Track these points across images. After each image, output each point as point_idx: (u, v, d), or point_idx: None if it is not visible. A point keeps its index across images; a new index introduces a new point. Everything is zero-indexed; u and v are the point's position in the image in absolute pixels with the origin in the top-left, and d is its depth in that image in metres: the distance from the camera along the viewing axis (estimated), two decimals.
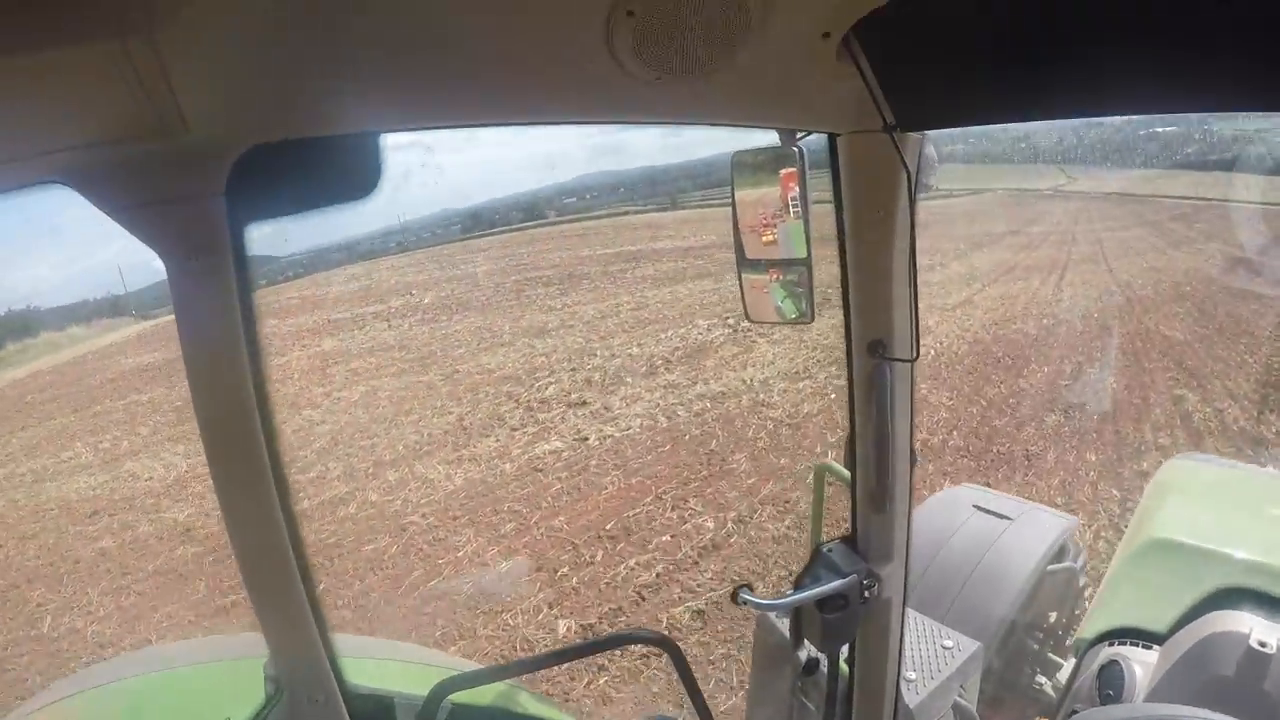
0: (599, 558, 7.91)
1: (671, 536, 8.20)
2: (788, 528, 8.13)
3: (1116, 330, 15.72)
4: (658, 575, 7.45)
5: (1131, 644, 3.04)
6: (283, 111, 1.15)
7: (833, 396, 12.10)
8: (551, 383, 14.26)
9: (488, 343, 17.69)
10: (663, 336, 16.85)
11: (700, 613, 6.78)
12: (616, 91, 1.30)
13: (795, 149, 1.62)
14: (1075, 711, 2.83)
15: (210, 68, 1.03)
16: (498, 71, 1.21)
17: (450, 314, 20.98)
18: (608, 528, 8.51)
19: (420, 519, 9.29)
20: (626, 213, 40.31)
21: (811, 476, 2.82)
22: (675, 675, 1.97)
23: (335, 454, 11.78)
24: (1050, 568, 3.58)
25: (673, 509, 8.84)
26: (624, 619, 6.87)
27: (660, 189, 43.56)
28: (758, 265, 1.77)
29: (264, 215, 1.27)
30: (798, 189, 1.65)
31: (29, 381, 18.49)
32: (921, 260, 1.69)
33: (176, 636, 7.26)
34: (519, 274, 25.40)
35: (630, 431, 11.48)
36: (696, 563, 7.62)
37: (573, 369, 15.03)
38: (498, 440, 11.68)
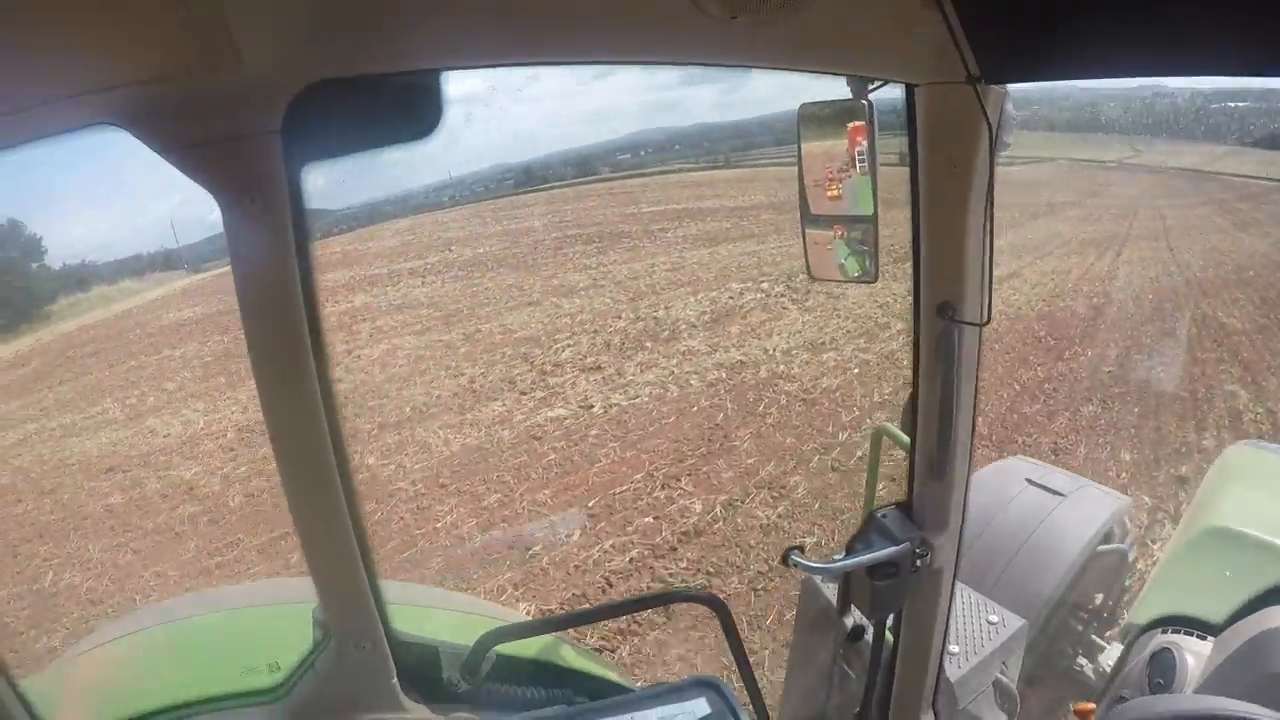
0: (575, 537, 7.52)
1: (654, 518, 7.71)
2: (779, 516, 7.54)
3: (1171, 314, 14.67)
4: (631, 560, 7.01)
5: (1185, 633, 2.92)
6: (341, 47, 1.11)
7: (855, 371, 11.50)
8: (570, 345, 13.78)
9: (515, 301, 17.13)
10: (692, 300, 16.16)
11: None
12: (688, 30, 1.24)
13: (865, 102, 1.55)
14: (1123, 698, 2.79)
15: (266, 2, 0.99)
16: (566, 7, 1.17)
17: (485, 271, 20.36)
18: (591, 504, 8.06)
19: (409, 485, 8.92)
20: (680, 170, 39.44)
21: (869, 439, 2.75)
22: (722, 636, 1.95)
23: (342, 414, 11.34)
24: (1100, 548, 3.48)
25: (662, 488, 8.35)
26: (583, 604, 6.49)
27: (715, 147, 42.86)
28: (822, 221, 1.73)
29: (320, 154, 1.25)
30: (866, 143, 1.59)
31: (75, 335, 18.45)
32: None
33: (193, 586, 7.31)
34: (560, 231, 24.76)
35: (638, 400, 10.97)
36: (674, 549, 7.13)
37: (594, 331, 14.52)
38: (503, 405, 11.20)
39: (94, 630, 3.18)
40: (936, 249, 1.64)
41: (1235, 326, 13.74)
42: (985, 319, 1.65)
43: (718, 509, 7.80)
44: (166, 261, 26.97)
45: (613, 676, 2.31)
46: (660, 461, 9.05)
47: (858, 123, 1.58)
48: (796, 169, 1.73)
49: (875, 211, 1.64)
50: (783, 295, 15.93)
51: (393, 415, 11.31)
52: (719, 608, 1.97)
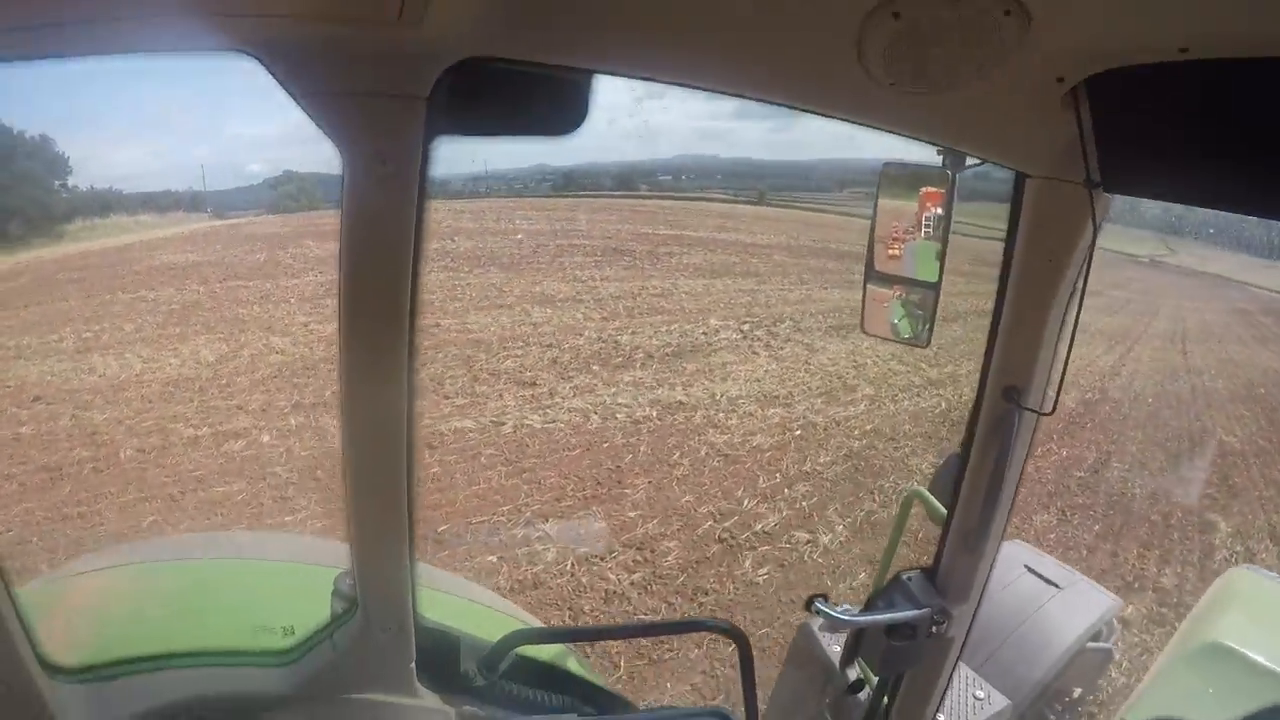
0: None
1: (499, 558, 6.89)
2: (631, 584, 6.63)
3: (1166, 422, 13.29)
4: None
5: None
6: (506, 27, 1.09)
7: (796, 433, 10.45)
8: (517, 356, 12.87)
9: (488, 302, 16.18)
10: (663, 329, 15.04)
11: None
12: (844, 86, 1.26)
13: (948, 172, 1.56)
14: None
15: None
16: (739, 40, 1.16)
17: (475, 266, 19.26)
18: (441, 529, 7.24)
19: (283, 471, 8.29)
20: (714, 199, 38.58)
21: (900, 501, 2.77)
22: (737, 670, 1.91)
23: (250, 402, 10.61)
24: (1089, 645, 3.52)
25: (525, 526, 7.50)
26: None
27: (754, 182, 41.76)
28: (884, 279, 1.74)
29: (460, 130, 1.21)
30: (940, 211, 1.61)
31: (71, 260, 18.00)
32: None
33: None
34: (566, 239, 23.84)
35: (553, 426, 10.00)
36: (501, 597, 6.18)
37: (549, 345, 13.53)
38: (418, 406, 10.37)
39: (101, 551, 3.10)
40: (1014, 334, 1.64)
41: (1233, 446, 12.36)
42: (1050, 409, 1.65)
43: (570, 561, 6.87)
44: (193, 203, 26.75)
45: (625, 694, 2.34)
46: (538, 497, 8.13)
47: (930, 188, 1.58)
48: (870, 223, 1.72)
49: (939, 280, 1.63)
50: (759, 340, 14.93)
51: (308, 396, 10.51)
52: (741, 640, 1.94)
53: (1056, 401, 1.65)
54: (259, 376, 11.24)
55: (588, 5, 1.06)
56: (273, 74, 1.06)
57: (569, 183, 38.67)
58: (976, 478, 1.77)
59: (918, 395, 12.46)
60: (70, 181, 25.55)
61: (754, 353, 14.05)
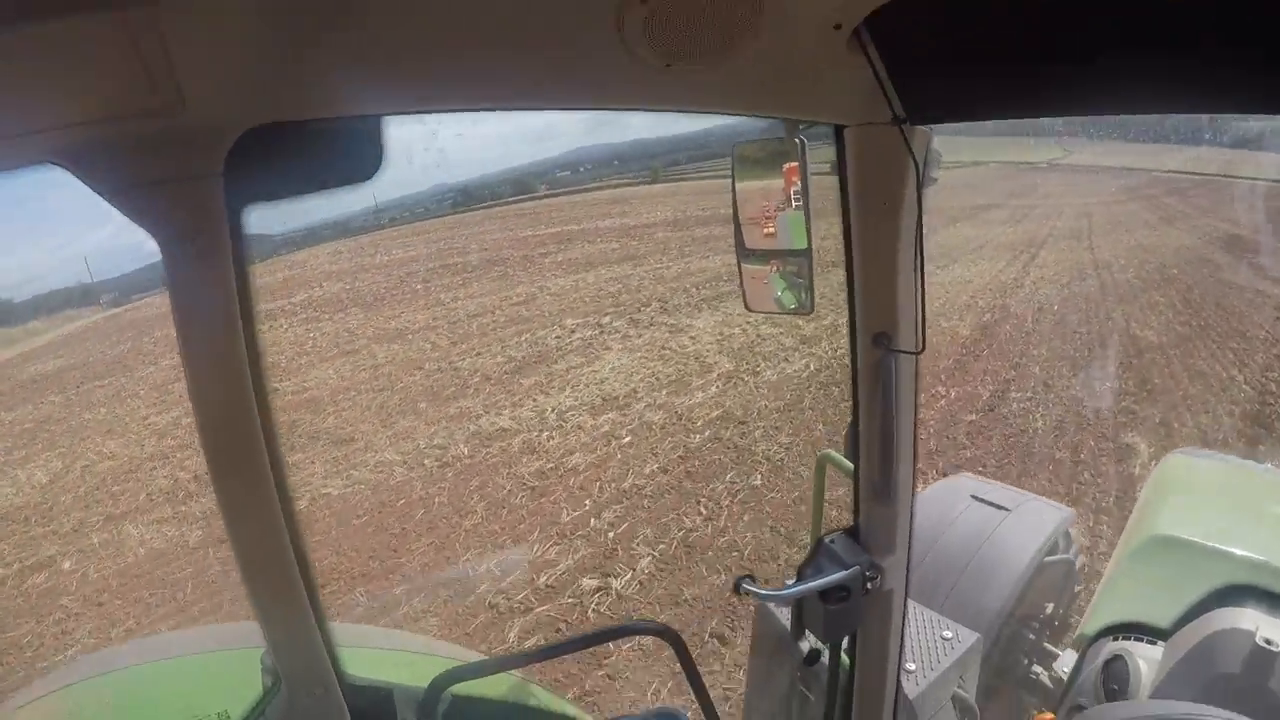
0: None
1: None
2: None
3: (1074, 331, 11.66)
4: None
5: (1135, 639, 2.93)
6: (284, 92, 1.09)
7: (625, 440, 8.79)
8: (344, 410, 11.12)
9: (336, 350, 14.41)
10: (513, 342, 13.37)
11: None
12: (625, 78, 1.23)
13: (797, 140, 1.49)
14: (1080, 706, 2.77)
15: (211, 46, 0.97)
16: (503, 55, 1.14)
17: (334, 311, 17.34)
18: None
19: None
20: (614, 185, 37.97)
21: (814, 467, 2.65)
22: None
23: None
24: (1047, 559, 3.41)
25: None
26: None
27: (649, 162, 41.97)
28: (757, 256, 1.69)
29: (262, 196, 1.20)
30: (799, 181, 1.54)
31: None
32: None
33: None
34: (439, 260, 22.13)
35: (350, 491, 8.34)
36: None
37: (382, 389, 11.83)
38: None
39: (29, 683, 2.83)
40: (870, 282, 1.61)
41: (1150, 340, 10.88)
42: (920, 347, 1.63)
43: None
44: (83, 297, 25.44)
45: (571, 711, 2.24)
46: None
47: (792, 163, 1.51)
48: (731, 203, 1.64)
49: (809, 246, 1.58)
50: (615, 332, 13.36)
51: (122, 505, 9.07)
52: (674, 640, 1.87)
53: (923, 338, 1.59)
54: (82, 492, 9.71)
55: (352, 55, 1.04)
56: (79, 178, 1.06)
57: (468, 198, 38.51)
58: (870, 429, 1.69)
59: (784, 360, 10.88)
60: None
61: (606, 349, 12.48)
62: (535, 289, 17.58)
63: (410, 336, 14.80)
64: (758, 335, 12.18)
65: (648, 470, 7.97)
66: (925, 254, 1.55)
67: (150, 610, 6.68)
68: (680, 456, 8.22)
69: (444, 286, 18.91)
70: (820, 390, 9.68)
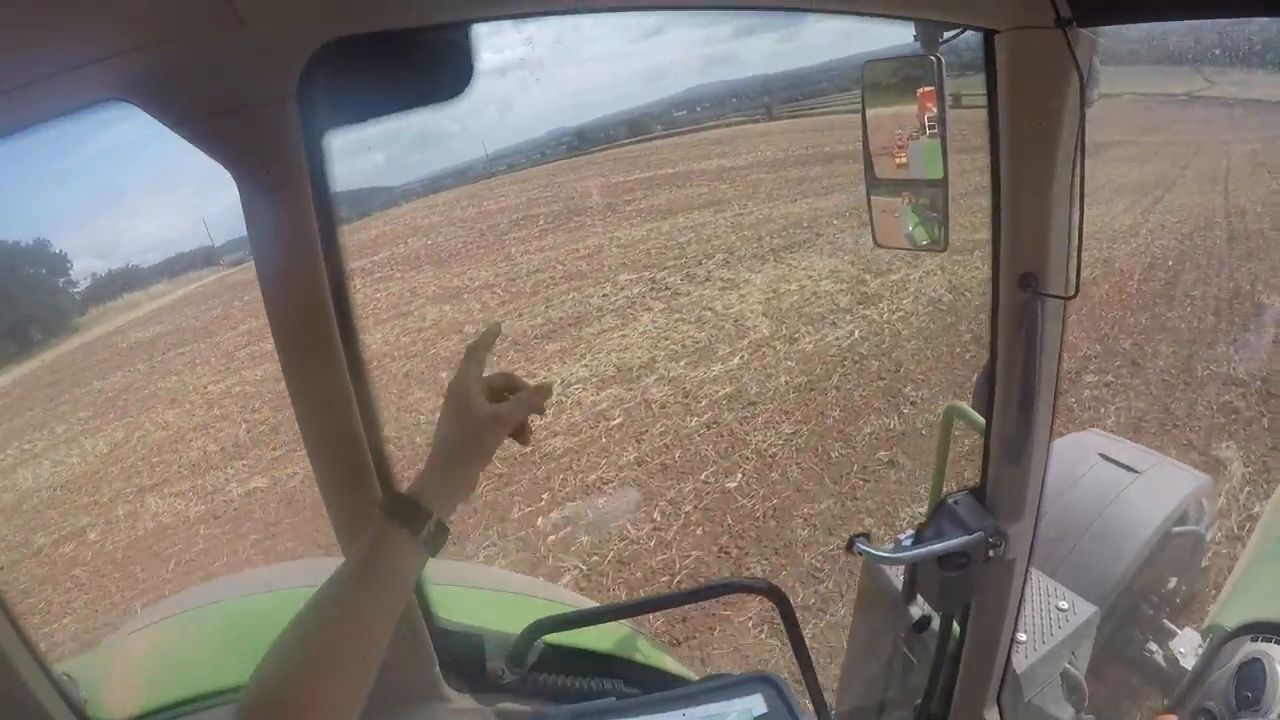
0: None
1: None
2: None
3: (1190, 290, 9.78)
4: None
5: (1277, 641, 2.53)
6: (352, 4, 1.02)
7: (616, 421, 7.84)
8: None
9: (392, 312, 13.68)
10: (558, 302, 12.28)
11: None
12: None
13: (934, 59, 1.38)
14: (1208, 710, 2.48)
15: None
16: None
17: (407, 269, 16.80)
18: None
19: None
20: (728, 125, 36.31)
21: (940, 419, 2.45)
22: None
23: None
24: (1175, 529, 3.15)
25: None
26: None
27: (767, 98, 40.19)
28: (888, 187, 1.56)
29: (340, 120, 1.13)
30: (935, 106, 1.41)
31: (64, 358, 17.74)
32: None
33: None
34: (524, 211, 21.36)
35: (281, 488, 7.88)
36: None
37: (413, 355, 11.16)
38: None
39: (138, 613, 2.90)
40: (1020, 215, 1.43)
41: (1276, 312, 8.80)
42: (1072, 293, 1.43)
43: None
44: (206, 259, 26.73)
45: (669, 666, 2.14)
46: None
47: (926, 87, 1.39)
48: (860, 132, 1.53)
49: (945, 176, 1.46)
50: (665, 289, 12.09)
51: (150, 477, 9.20)
52: (780, 599, 1.79)
53: (1079, 282, 1.39)
54: (130, 463, 9.86)
55: None
56: (146, 110, 1.02)
57: (584, 141, 38.34)
58: (1008, 381, 1.54)
59: (831, 325, 9.53)
60: (74, 275, 25.57)
61: (647, 309, 11.28)
62: (606, 239, 16.58)
63: (466, 296, 14.22)
64: (814, 293, 10.85)
65: (623, 461, 7.00)
66: None
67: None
68: (665, 445, 7.18)
69: (518, 240, 18.15)
70: (855, 365, 8.33)
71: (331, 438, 1.32)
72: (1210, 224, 12.98)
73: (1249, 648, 2.62)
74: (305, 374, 1.26)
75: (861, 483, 6.09)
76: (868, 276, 11.19)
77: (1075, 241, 1.41)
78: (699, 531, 5.79)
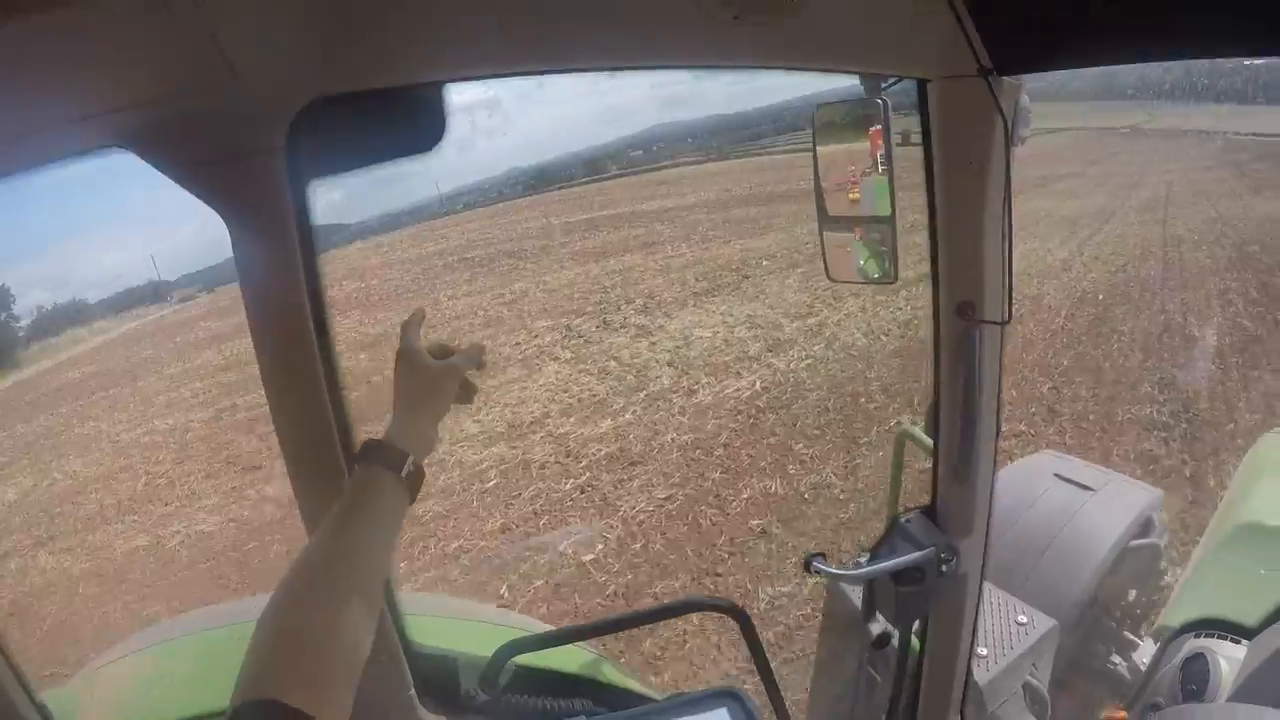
0: None
1: None
2: None
3: (1118, 326, 9.45)
4: None
5: (1219, 637, 2.70)
6: (340, 63, 1.09)
7: (492, 484, 7.32)
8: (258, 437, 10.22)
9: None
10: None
11: None
12: (692, 32, 1.19)
13: (880, 100, 1.45)
14: (1156, 705, 2.63)
15: (259, 19, 0.96)
16: (564, 13, 1.11)
17: (334, 315, 16.77)
18: None
19: None
20: (680, 164, 36.49)
21: (892, 442, 2.63)
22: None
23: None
24: (1133, 543, 3.16)
25: None
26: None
27: (721, 139, 40.84)
28: (840, 223, 1.63)
29: (325, 170, 1.21)
30: (883, 144, 1.49)
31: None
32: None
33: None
34: (460, 254, 20.97)
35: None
36: None
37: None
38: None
39: (111, 645, 2.66)
40: (955, 247, 1.53)
41: (1208, 344, 8.51)
42: (1006, 318, 1.53)
43: None
44: (155, 294, 25.79)
45: (635, 686, 2.19)
46: None
47: (876, 126, 1.46)
48: (812, 171, 1.60)
49: (893, 212, 1.51)
50: (577, 336, 11.81)
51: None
52: (740, 617, 1.83)
53: (1011, 307, 1.50)
54: (32, 514, 9.37)
55: (410, 19, 1.02)
56: (143, 158, 1.07)
57: (541, 180, 38.26)
58: (951, 404, 1.62)
59: (735, 375, 9.11)
60: (17, 309, 24.79)
61: (554, 358, 10.89)
62: (533, 284, 16.13)
63: (382, 344, 13.71)
64: (725, 340, 10.49)
65: (488, 528, 6.58)
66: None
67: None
68: (533, 511, 6.87)
69: (449, 284, 17.77)
70: (749, 420, 7.93)
71: (314, 471, 1.32)
72: (1146, 254, 12.79)
73: (1193, 644, 2.72)
74: (289, 406, 1.28)
75: (726, 556, 5.65)
76: (784, 321, 10.84)
77: (1008, 271, 1.47)
78: (544, 610, 5.30)
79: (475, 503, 7.05)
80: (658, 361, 10.02)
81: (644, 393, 8.99)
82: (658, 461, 7.25)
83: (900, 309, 10.80)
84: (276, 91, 1.07)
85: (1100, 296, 10.64)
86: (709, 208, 22.21)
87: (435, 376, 1.17)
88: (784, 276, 13.34)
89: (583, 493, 6.94)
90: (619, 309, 12.90)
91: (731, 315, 11.58)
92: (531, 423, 8.66)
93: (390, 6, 1.00)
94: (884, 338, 9.80)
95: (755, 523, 5.93)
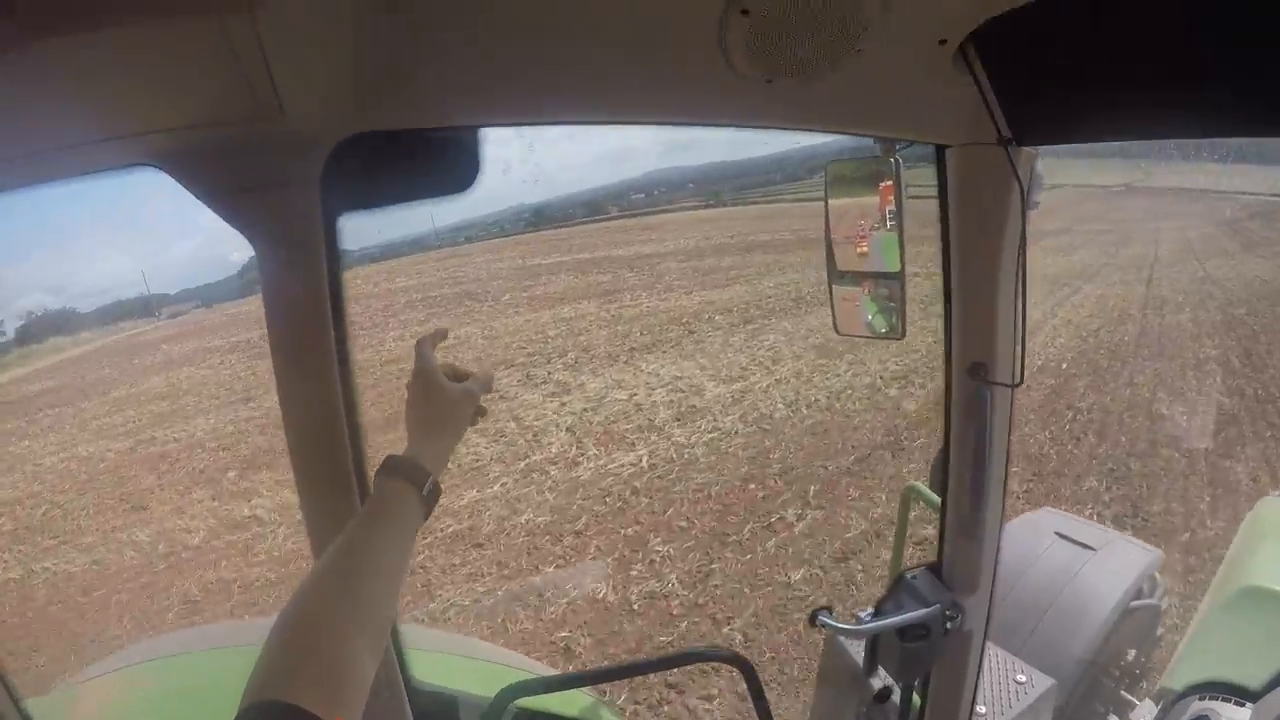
0: None
1: None
2: None
3: (1076, 402, 8.66)
4: None
5: (1223, 699, 2.73)
6: (381, 101, 1.09)
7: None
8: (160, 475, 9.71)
9: (227, 396, 13.18)
10: (385, 400, 10.77)
11: None
12: (725, 93, 1.21)
13: (893, 160, 1.50)
14: None
15: (309, 53, 0.97)
16: (603, 68, 1.13)
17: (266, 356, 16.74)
18: None
19: None
20: (680, 209, 36.52)
21: (899, 498, 2.62)
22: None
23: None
24: (1133, 604, 3.22)
25: None
26: None
27: (719, 185, 40.38)
28: (849, 278, 1.66)
29: (357, 205, 1.21)
30: (894, 201, 1.54)
31: None
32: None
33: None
34: (425, 292, 20.31)
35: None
36: None
37: (228, 446, 10.37)
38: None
39: (95, 661, 2.74)
40: (968, 309, 1.58)
41: (1172, 429, 7.68)
42: (1018, 380, 1.58)
43: None
44: (144, 309, 25.64)
45: None
46: None
47: (887, 182, 1.51)
48: (823, 225, 1.63)
49: (902, 268, 1.55)
50: (492, 393, 10.93)
51: None
52: (745, 668, 1.86)
53: (1023, 371, 1.54)
54: None
55: (450, 65, 1.04)
56: (177, 180, 1.07)
57: (541, 218, 37.56)
58: (961, 463, 1.67)
59: (630, 446, 8.51)
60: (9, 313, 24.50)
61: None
62: (479, 329, 15.53)
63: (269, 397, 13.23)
64: (638, 405, 9.83)
65: None
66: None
67: None
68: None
69: (401, 323, 16.94)
70: (617, 504, 7.21)
71: (327, 502, 1.29)
72: (1124, 316, 12.06)
73: (1197, 705, 2.75)
74: (308, 435, 1.26)
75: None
76: (709, 384, 10.14)
77: (1020, 334, 1.52)
78: None
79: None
80: (558, 426, 9.39)
81: (526, 462, 8.32)
82: (498, 547, 6.55)
83: (839, 376, 10.11)
84: (318, 124, 1.06)
85: (1064, 365, 9.91)
86: (683, 255, 21.66)
87: (456, 400, 1.16)
88: (730, 334, 12.75)
89: (410, 574, 6.23)
90: (549, 362, 12.25)
91: (657, 376, 10.93)
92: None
93: (436, 50, 0.99)
94: (805, 409, 9.07)
95: (562, 634, 5.18)
